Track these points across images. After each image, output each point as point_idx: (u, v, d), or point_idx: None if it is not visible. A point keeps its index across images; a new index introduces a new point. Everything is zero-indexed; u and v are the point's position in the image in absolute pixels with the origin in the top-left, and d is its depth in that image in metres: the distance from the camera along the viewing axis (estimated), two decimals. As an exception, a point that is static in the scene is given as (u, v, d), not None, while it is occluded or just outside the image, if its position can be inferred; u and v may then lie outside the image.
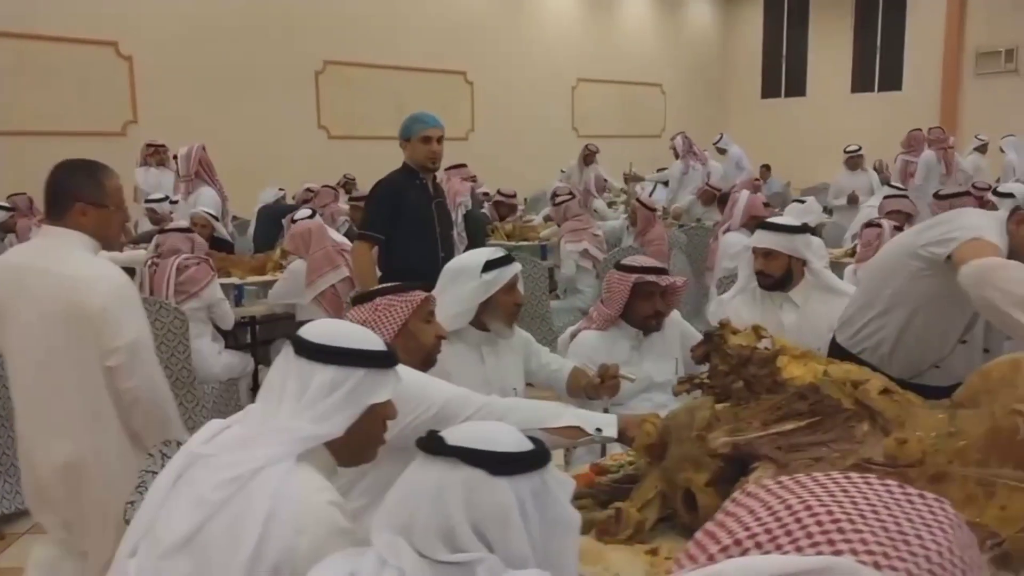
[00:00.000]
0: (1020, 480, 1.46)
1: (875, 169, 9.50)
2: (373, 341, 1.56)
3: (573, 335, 2.96)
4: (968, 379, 1.65)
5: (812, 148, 14.33)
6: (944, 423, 1.58)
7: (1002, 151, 9.51)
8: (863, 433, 1.66)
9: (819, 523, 0.72)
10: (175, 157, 6.72)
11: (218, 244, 5.79)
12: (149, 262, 4.25)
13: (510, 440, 1.17)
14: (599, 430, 2.04)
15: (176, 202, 6.37)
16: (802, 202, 5.53)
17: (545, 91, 14.00)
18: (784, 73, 16.18)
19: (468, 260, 2.45)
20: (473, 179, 9.61)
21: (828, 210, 9.15)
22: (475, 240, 6.01)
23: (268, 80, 10.52)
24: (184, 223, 4.76)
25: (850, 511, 0.73)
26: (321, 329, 1.54)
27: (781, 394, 1.78)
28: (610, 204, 9.83)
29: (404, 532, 1.14)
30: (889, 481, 0.79)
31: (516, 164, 12.43)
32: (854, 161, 8.84)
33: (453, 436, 1.17)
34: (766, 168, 12.84)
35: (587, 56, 14.49)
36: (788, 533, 0.73)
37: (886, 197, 5.33)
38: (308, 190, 7.67)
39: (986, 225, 2.23)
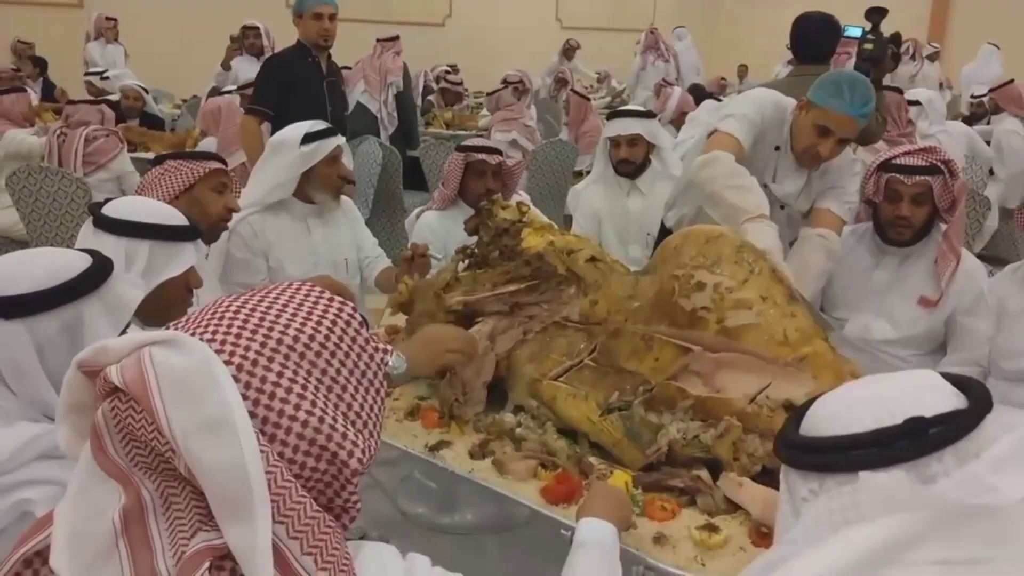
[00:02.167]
0: (671, 336, 1.64)
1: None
2: (170, 215, 1.73)
3: (418, 216, 3.10)
4: (657, 249, 1.81)
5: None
6: (629, 287, 1.75)
7: None
8: (569, 295, 1.84)
9: (213, 313, 0.86)
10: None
11: (148, 120, 5.88)
12: (57, 132, 4.35)
13: (34, 277, 1.18)
14: None
15: (108, 78, 6.44)
16: (719, 100, 5.55)
17: (528, -22, 13.63)
18: (777, -32, 15.69)
19: (288, 133, 2.55)
20: (453, 68, 9.50)
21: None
22: (406, 123, 6.04)
23: (232, -48, 10.28)
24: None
25: (242, 307, 0.86)
26: (123, 204, 1.73)
27: (515, 261, 1.95)
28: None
29: None
30: (314, 291, 0.91)
31: (494, 54, 12.19)
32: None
33: None
34: (743, 68, 12.65)
35: (573, -58, 14.04)
36: (192, 320, 0.87)
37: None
38: (259, 71, 7.66)
39: (756, 106, 2.35)
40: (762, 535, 1.37)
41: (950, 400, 0.79)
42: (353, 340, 0.88)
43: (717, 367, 1.58)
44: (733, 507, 1.43)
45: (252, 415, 0.78)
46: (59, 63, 8.20)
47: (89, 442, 0.83)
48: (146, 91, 5.71)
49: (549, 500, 1.50)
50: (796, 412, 0.88)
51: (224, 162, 2.28)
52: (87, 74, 6.65)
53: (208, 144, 4.76)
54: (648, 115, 3.35)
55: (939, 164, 2.30)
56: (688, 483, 1.45)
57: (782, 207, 2.61)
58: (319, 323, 0.86)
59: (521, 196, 3.18)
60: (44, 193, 4.02)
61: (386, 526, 2.12)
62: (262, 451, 0.77)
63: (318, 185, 2.59)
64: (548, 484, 1.51)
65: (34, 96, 5.84)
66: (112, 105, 5.10)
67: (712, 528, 1.39)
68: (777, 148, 2.46)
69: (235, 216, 2.54)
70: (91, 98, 4.65)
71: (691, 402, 1.56)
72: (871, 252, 2.50)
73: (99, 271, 1.23)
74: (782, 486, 0.85)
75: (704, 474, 1.45)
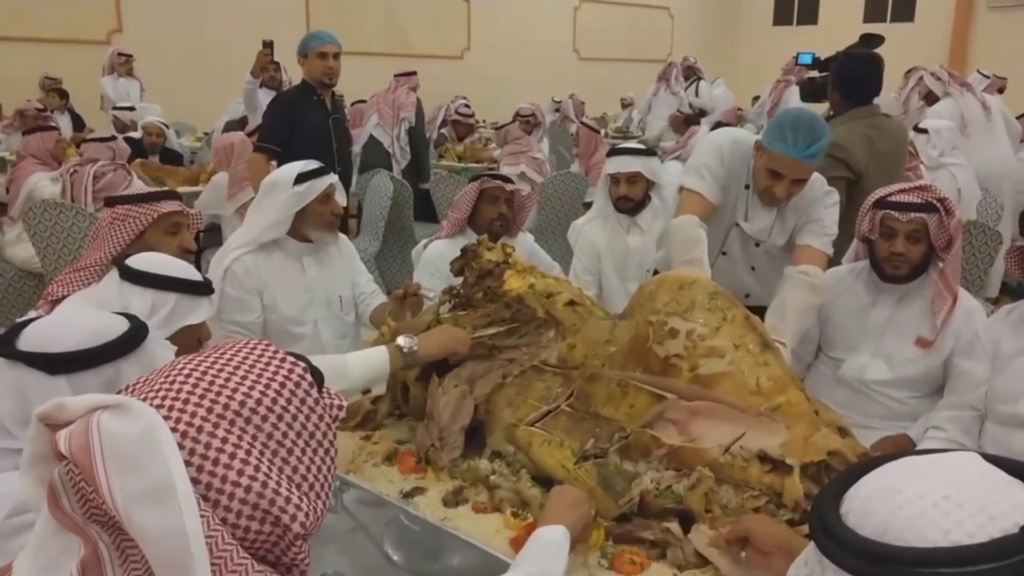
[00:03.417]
0: (646, 382, 1.62)
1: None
2: (189, 271, 1.83)
3: (426, 246, 3.11)
4: (634, 293, 1.80)
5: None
6: (606, 331, 1.73)
7: None
8: (548, 339, 1.83)
9: (166, 377, 0.89)
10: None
11: (169, 155, 5.98)
12: (71, 170, 4.43)
13: (77, 337, 1.27)
14: None
15: (134, 108, 6.55)
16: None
17: (546, 10, 13.72)
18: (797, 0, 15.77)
19: (282, 173, 2.58)
20: (465, 102, 9.59)
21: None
22: (417, 157, 6.10)
23: (258, -10, 10.48)
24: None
25: (194, 370, 0.89)
26: (147, 259, 1.82)
27: (496, 303, 1.94)
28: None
29: None
30: (268, 351, 0.94)
31: (512, 86, 12.26)
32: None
33: (26, 337, 1.29)
34: (757, 100, 12.63)
35: (592, -25, 14.18)
36: (146, 383, 0.90)
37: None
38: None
39: (713, 151, 2.40)
40: (731, 591, 1.34)
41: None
42: (302, 402, 0.90)
43: (692, 415, 1.55)
44: (703, 561, 1.40)
45: (195, 481, 0.81)
46: (88, 99, 8.33)
47: (46, 498, 0.85)
48: (167, 126, 5.80)
49: (519, 551, 1.47)
50: (824, 502, 0.73)
51: (179, 198, 2.29)
52: (115, 108, 6.77)
53: (220, 179, 4.83)
54: (648, 152, 3.35)
55: (934, 202, 2.27)
56: (658, 535, 1.42)
57: (757, 244, 2.60)
58: (267, 387, 0.88)
59: (523, 235, 3.19)
60: (59, 228, 4.09)
61: (371, 572, 2.10)
62: (202, 516, 0.80)
63: (312, 223, 2.62)
64: (518, 535, 1.49)
65: (62, 130, 5.94)
66: (136, 140, 5.18)
67: (681, 583, 1.36)
68: (747, 187, 2.45)
69: (230, 255, 2.57)
70: (103, 135, 4.72)
71: (665, 451, 1.53)
72: (868, 291, 2.46)
73: (137, 334, 1.32)
74: None
75: (674, 527, 1.42)
